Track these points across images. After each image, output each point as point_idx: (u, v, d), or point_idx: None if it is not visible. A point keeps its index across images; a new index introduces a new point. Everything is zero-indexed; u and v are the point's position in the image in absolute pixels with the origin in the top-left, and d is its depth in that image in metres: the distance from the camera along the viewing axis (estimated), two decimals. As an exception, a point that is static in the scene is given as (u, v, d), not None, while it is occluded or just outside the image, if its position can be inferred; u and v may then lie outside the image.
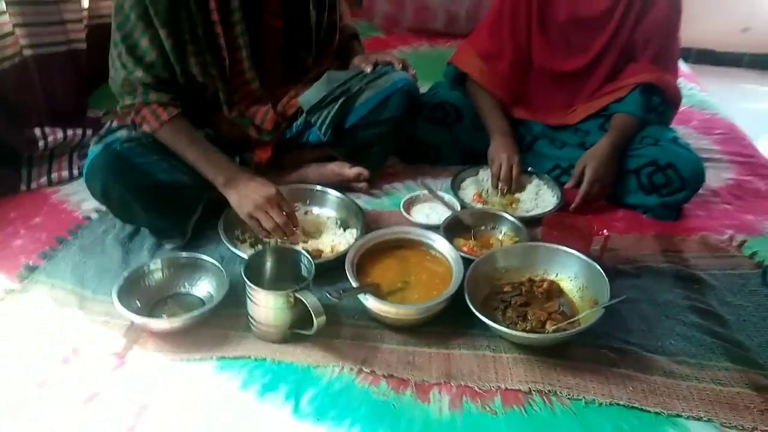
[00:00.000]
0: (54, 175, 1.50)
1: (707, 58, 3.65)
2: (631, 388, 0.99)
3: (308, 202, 1.40)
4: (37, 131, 1.52)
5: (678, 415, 0.95)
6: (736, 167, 1.68)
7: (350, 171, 1.45)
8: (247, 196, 1.20)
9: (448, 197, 1.43)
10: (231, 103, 1.32)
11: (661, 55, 1.47)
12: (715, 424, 0.94)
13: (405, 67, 1.45)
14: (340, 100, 1.39)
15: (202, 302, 1.12)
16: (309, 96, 1.40)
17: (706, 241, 1.36)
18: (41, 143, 1.51)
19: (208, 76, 1.26)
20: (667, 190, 1.40)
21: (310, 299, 0.99)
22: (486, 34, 1.57)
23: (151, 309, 1.09)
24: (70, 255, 1.24)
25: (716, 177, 1.61)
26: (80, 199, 1.43)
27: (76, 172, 1.53)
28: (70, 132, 1.56)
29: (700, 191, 1.50)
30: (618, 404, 0.96)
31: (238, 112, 1.34)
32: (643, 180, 1.42)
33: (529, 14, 1.51)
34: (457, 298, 1.08)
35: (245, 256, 1.14)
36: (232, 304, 1.10)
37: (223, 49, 1.25)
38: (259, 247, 1.25)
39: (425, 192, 1.41)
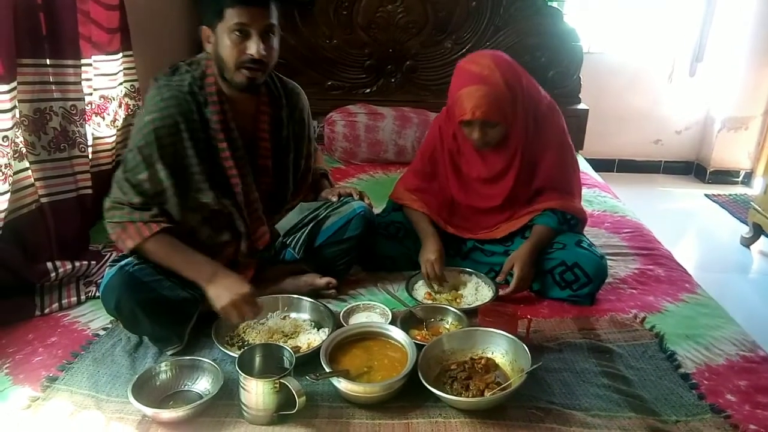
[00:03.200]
0: (65, 301, 1.73)
1: (629, 167, 4.20)
2: (555, 438, 1.23)
3: (286, 308, 1.66)
4: (49, 264, 1.76)
5: (592, 457, 1.19)
6: (640, 259, 2.02)
7: (321, 281, 1.73)
8: (223, 291, 1.44)
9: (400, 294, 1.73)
10: (241, 221, 1.60)
11: (563, 187, 1.82)
12: (622, 461, 1.18)
13: (362, 197, 1.79)
14: (310, 225, 1.72)
15: (201, 397, 1.33)
16: (285, 222, 1.72)
17: (614, 320, 1.65)
18: (53, 274, 1.74)
19: (221, 204, 1.54)
20: (576, 285, 1.71)
21: (293, 383, 1.23)
22: (412, 176, 1.96)
23: (159, 404, 1.30)
24: (84, 366, 1.45)
25: (624, 268, 1.95)
26: (89, 319, 1.66)
27: (83, 297, 1.76)
28: (77, 264, 1.81)
29: (611, 279, 1.82)
30: (545, 451, 1.20)
31: (246, 231, 1.62)
32: (556, 278, 1.74)
33: (444, 162, 1.88)
34: (413, 377, 1.33)
35: (235, 355, 1.37)
36: (226, 396, 1.31)
37: (237, 181, 1.54)
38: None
39: (362, 303, 1.67)
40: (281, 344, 1.39)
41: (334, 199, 1.77)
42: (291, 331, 1.57)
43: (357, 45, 3.05)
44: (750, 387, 1.38)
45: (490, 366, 1.39)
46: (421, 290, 1.79)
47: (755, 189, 3.87)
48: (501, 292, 1.71)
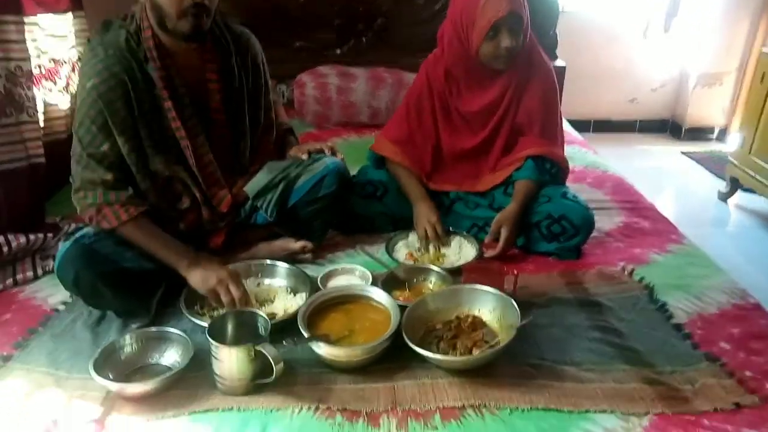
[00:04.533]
0: (19, 276, 1.61)
1: (605, 126, 4.15)
2: (547, 394, 1.17)
3: (260, 274, 1.57)
4: (1, 238, 1.64)
5: (587, 411, 1.13)
6: (624, 212, 1.97)
7: (295, 245, 1.64)
8: (208, 274, 1.37)
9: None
10: (192, 188, 1.50)
11: (544, 131, 1.77)
12: (617, 413, 1.12)
13: (334, 153, 1.69)
14: (281, 185, 1.61)
15: (170, 369, 1.24)
16: (254, 184, 1.61)
17: (602, 273, 1.60)
18: (5, 249, 1.62)
19: (172, 170, 1.45)
20: (564, 237, 1.66)
21: (269, 349, 1.15)
22: (396, 125, 1.87)
23: (125, 379, 1.21)
24: (42, 343, 1.34)
25: (609, 221, 1.90)
26: (46, 294, 1.54)
27: (40, 271, 1.64)
28: (32, 237, 1.69)
29: (596, 234, 1.77)
30: (538, 408, 1.14)
31: (202, 197, 1.52)
32: (543, 231, 1.68)
33: (433, 108, 1.81)
34: (397, 339, 1.26)
35: (206, 325, 1.28)
36: (198, 368, 1.22)
37: (186, 144, 1.44)
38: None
39: (340, 266, 1.59)
40: (255, 310, 1.30)
41: (305, 156, 1.67)
42: (266, 298, 1.49)
43: (325, 3, 2.90)
44: (743, 334, 1.34)
45: (477, 324, 1.33)
46: (402, 251, 1.71)
47: (730, 145, 3.87)
48: (487, 254, 1.64)
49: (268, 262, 1.58)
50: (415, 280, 1.54)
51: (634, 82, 4.03)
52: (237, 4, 2.75)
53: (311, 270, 1.60)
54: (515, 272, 1.46)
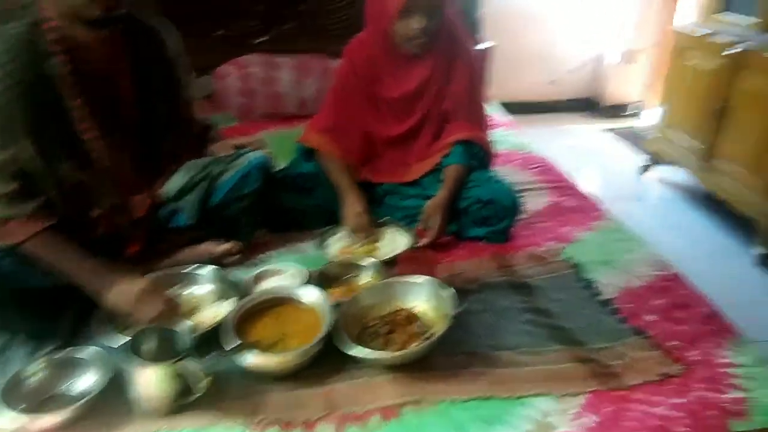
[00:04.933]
0: None
1: (527, 108, 4.22)
2: (483, 382, 1.17)
3: (184, 282, 1.49)
4: None
5: (524, 396, 1.14)
6: (551, 192, 2.00)
7: (221, 247, 1.56)
8: (124, 293, 1.27)
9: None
10: (105, 193, 1.40)
11: (471, 115, 1.77)
12: (553, 395, 1.14)
13: (259, 147, 1.62)
14: (203, 184, 1.53)
15: (85, 397, 1.15)
16: (172, 184, 1.53)
17: (531, 254, 1.62)
18: None
19: (82, 174, 1.34)
20: (493, 221, 1.67)
21: (190, 365, 1.08)
22: (323, 114, 1.82)
23: (34, 410, 1.10)
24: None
25: (537, 202, 1.92)
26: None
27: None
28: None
29: (525, 215, 1.79)
30: (474, 398, 1.13)
31: (110, 203, 1.42)
32: (473, 215, 1.68)
33: (359, 95, 1.77)
34: (331, 339, 1.22)
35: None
36: (117, 392, 1.13)
37: (96, 145, 1.34)
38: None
39: (271, 267, 1.53)
40: (178, 323, 1.22)
41: (227, 152, 1.59)
42: (193, 307, 1.41)
43: (245, -10, 2.80)
44: (667, 305, 1.39)
45: (412, 316, 1.31)
46: (334, 246, 1.67)
47: (647, 120, 4.04)
48: (419, 243, 1.62)
49: (193, 268, 1.50)
50: (348, 276, 1.50)
51: (554, 63, 4.12)
52: (147, -7, 2.59)
53: (241, 273, 1.54)
54: (447, 260, 1.45)
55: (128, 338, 1.20)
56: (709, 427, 1.04)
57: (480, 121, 1.80)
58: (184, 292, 1.46)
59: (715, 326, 1.31)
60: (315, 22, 2.90)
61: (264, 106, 2.66)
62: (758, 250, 2.40)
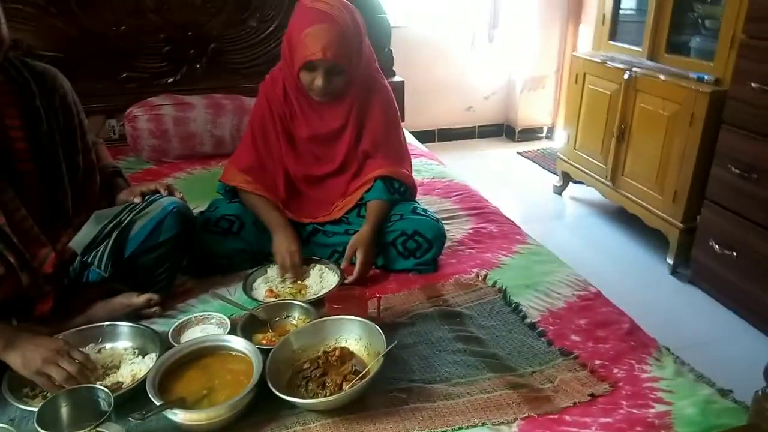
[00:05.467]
0: None
1: (447, 135, 4.36)
2: (420, 418, 1.15)
3: (100, 339, 1.39)
4: None
5: (460, 428, 1.13)
6: (473, 219, 2.05)
7: (139, 299, 1.47)
8: (32, 354, 1.18)
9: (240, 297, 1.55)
10: (10, 251, 1.30)
11: (389, 152, 1.79)
12: (488, 425, 1.14)
13: (171, 192, 1.56)
14: (114, 234, 1.45)
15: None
16: (81, 237, 1.43)
17: (459, 282, 1.64)
18: None
19: None
20: (419, 252, 1.68)
21: (112, 428, 1.01)
22: (244, 152, 1.79)
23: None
24: None
25: (460, 229, 1.96)
26: None
27: None
28: None
29: (450, 243, 1.82)
30: (414, 435, 1.13)
31: (18, 261, 1.31)
32: (399, 248, 1.69)
33: (275, 130, 1.75)
34: (264, 386, 1.18)
35: (35, 410, 1.10)
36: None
37: None
38: (53, 397, 1.21)
39: (193, 316, 1.46)
40: (93, 385, 1.14)
41: (138, 200, 1.52)
42: (110, 365, 1.32)
43: (150, 30, 2.71)
44: (589, 324, 1.44)
45: (346, 356, 1.29)
46: (261, 288, 1.62)
47: (557, 142, 4.26)
48: (347, 279, 1.60)
49: (107, 323, 1.41)
50: (277, 319, 1.46)
51: (469, 92, 4.29)
52: (43, 35, 2.48)
53: (160, 325, 1.46)
54: (377, 296, 1.44)
55: (36, 407, 1.11)
56: (637, 443, 1.07)
57: (399, 157, 1.83)
58: (99, 350, 1.37)
59: (635, 341, 1.37)
60: (225, 61, 2.87)
61: (178, 147, 2.58)
62: (671, 260, 2.56)
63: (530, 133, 4.35)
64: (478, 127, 4.42)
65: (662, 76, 2.56)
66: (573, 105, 3.22)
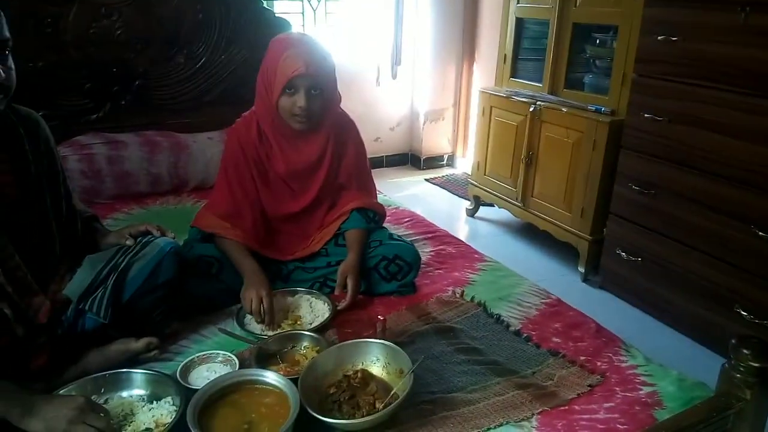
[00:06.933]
0: None
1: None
2: (451, 424, 1.26)
3: (102, 390, 1.34)
4: None
5: (488, 428, 1.26)
6: (429, 242, 2.20)
7: (138, 344, 1.42)
8: (53, 417, 1.11)
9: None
10: (4, 301, 1.23)
11: (361, 184, 1.90)
12: (511, 423, 1.27)
13: (163, 233, 1.54)
14: (111, 279, 1.40)
15: None
16: (75, 284, 1.38)
17: (441, 300, 1.78)
18: None
19: None
20: (400, 275, 1.80)
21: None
22: (220, 198, 1.79)
23: None
24: None
25: (423, 252, 2.08)
26: None
27: None
28: None
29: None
30: (452, 440, 1.23)
31: (13, 311, 1.24)
32: (382, 272, 1.79)
33: (251, 174, 1.77)
34: (299, 416, 1.21)
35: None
36: None
37: None
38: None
39: (196, 356, 1.44)
40: None
41: (130, 242, 1.49)
42: (122, 413, 1.28)
43: (70, 67, 2.57)
44: (564, 327, 1.65)
45: (367, 377, 1.36)
46: (252, 323, 1.63)
47: (458, 168, 4.59)
48: (339, 305, 1.67)
49: (108, 373, 1.35)
50: (285, 350, 1.49)
51: (376, 123, 4.49)
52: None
53: (160, 367, 1.42)
54: (380, 317, 1.53)
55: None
56: (640, 421, 1.26)
57: (370, 188, 1.96)
58: (105, 400, 1.32)
59: (605, 338, 1.59)
60: (150, 98, 2.80)
61: (112, 187, 2.47)
62: (582, 269, 2.89)
63: (433, 161, 4.64)
64: (386, 156, 4.63)
65: (564, 109, 2.92)
66: (481, 135, 3.53)
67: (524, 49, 3.39)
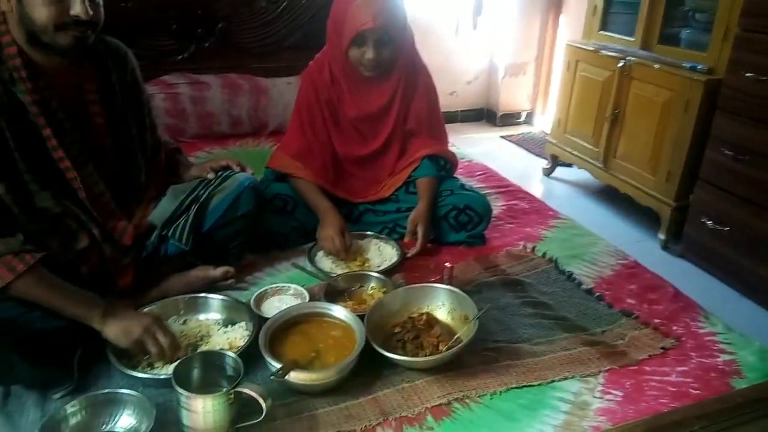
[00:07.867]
0: None
1: (433, 119, 4.42)
2: (515, 373, 1.26)
3: (181, 311, 1.42)
4: None
5: (552, 380, 1.25)
6: (501, 196, 2.16)
7: (216, 271, 1.50)
8: (131, 323, 1.22)
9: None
10: (86, 223, 1.31)
11: (433, 131, 1.87)
12: (577, 377, 1.26)
13: (243, 168, 1.59)
14: (193, 209, 1.47)
15: (127, 437, 1.08)
16: (160, 211, 1.45)
17: (510, 254, 1.75)
18: None
19: (62, 206, 1.26)
20: (470, 225, 1.78)
21: (252, 388, 1.06)
22: (293, 138, 1.82)
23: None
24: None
25: (494, 206, 2.05)
26: None
27: None
28: None
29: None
30: (511, 388, 1.23)
31: (101, 233, 1.33)
32: (451, 222, 1.78)
33: (322, 116, 1.79)
34: (363, 350, 1.25)
35: (162, 376, 1.14)
36: (161, 428, 1.07)
37: (72, 175, 1.26)
38: (157, 368, 1.24)
39: (269, 287, 1.50)
40: (222, 351, 1.19)
41: (211, 175, 1.55)
42: (202, 335, 1.35)
43: (157, 7, 2.65)
44: (639, 289, 1.59)
45: (431, 320, 1.37)
46: (326, 260, 1.67)
47: (536, 127, 4.44)
48: (409, 252, 1.68)
49: (190, 296, 1.44)
50: (353, 288, 1.52)
51: (452, 76, 4.38)
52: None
53: (236, 296, 1.49)
54: (448, 264, 1.53)
55: (142, 373, 1.19)
56: (715, 387, 1.21)
57: (441, 135, 1.92)
58: (185, 321, 1.40)
59: (683, 303, 1.52)
60: (233, 41, 2.84)
61: (195, 126, 2.56)
62: (662, 236, 2.76)
63: (510, 118, 4.51)
64: (461, 111, 4.54)
65: (656, 65, 2.74)
66: (564, 91, 3.37)
67: (616, 1, 3.18)
